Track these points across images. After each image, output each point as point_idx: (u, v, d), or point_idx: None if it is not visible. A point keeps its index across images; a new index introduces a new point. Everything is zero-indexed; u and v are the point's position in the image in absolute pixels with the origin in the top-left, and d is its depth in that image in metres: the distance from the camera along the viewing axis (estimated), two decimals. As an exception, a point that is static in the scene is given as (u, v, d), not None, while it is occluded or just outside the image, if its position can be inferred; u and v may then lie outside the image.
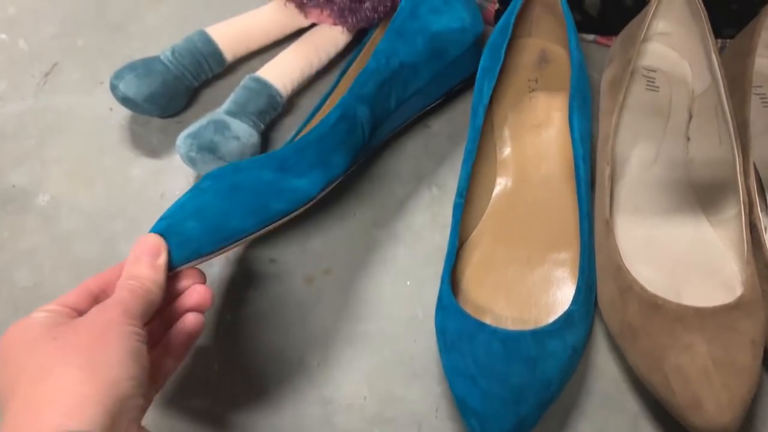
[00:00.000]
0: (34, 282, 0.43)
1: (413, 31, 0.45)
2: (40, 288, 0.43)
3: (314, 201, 0.40)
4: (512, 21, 0.45)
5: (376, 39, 0.49)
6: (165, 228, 0.35)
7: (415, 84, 0.45)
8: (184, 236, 0.35)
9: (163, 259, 0.34)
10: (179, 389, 0.40)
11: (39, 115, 0.50)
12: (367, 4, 0.47)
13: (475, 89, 0.46)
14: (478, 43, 0.48)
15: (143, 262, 0.33)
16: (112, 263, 0.43)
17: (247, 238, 0.37)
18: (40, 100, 0.51)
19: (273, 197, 0.38)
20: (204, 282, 0.36)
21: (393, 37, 0.44)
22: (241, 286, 0.43)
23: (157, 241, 0.34)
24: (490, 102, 0.44)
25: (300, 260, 0.44)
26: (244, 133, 0.45)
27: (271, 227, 0.38)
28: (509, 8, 0.47)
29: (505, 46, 0.45)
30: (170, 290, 0.35)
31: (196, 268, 0.37)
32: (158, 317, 0.35)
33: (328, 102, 0.47)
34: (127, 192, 0.47)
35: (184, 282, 0.36)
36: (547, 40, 0.50)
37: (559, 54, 0.49)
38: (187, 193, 0.38)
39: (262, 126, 0.47)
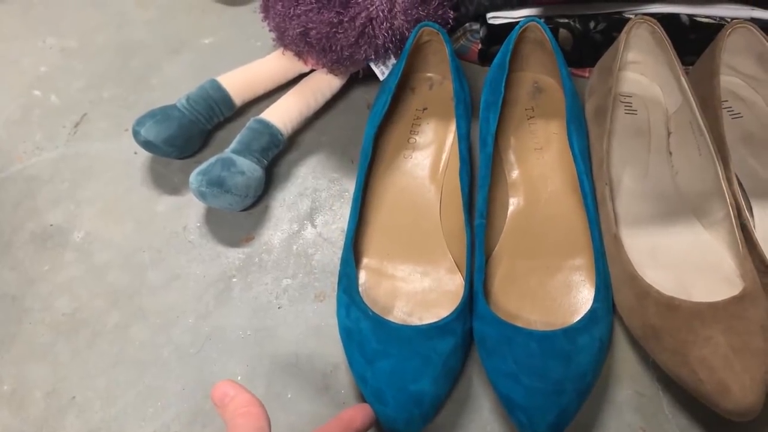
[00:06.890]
0: (73, 309, 0.48)
1: None
2: (80, 313, 0.47)
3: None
4: (508, 59, 0.50)
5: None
6: None
7: None
8: None
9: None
10: None
11: (71, 160, 0.56)
12: (346, 52, 0.51)
13: (481, 121, 0.50)
14: None
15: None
16: (143, 290, 0.49)
17: None
18: (71, 148, 0.56)
19: None
20: None
21: None
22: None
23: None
24: (495, 132, 0.48)
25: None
26: (249, 168, 0.49)
27: None
28: (503, 47, 0.52)
29: (504, 80, 0.49)
30: None
31: None
32: None
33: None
34: (153, 226, 0.51)
35: None
36: (538, 73, 0.55)
37: (550, 84, 0.54)
38: None
39: (266, 162, 0.52)
